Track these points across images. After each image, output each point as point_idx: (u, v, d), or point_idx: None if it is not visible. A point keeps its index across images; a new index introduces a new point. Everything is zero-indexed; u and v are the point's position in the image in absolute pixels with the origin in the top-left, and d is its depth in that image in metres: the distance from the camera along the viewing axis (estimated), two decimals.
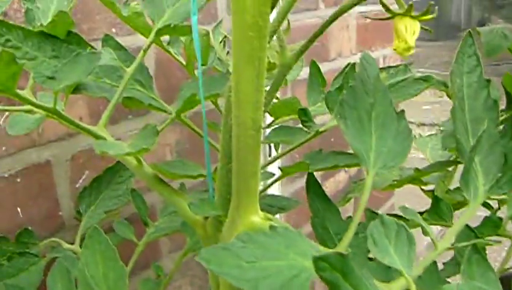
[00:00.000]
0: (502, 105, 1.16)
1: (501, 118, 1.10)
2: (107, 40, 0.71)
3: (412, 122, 4.66)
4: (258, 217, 0.48)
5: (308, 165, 0.62)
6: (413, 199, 1.46)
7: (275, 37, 0.54)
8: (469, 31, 0.66)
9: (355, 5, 0.49)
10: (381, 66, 0.82)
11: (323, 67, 1.69)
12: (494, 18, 7.65)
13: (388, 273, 0.49)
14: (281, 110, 0.79)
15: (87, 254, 0.57)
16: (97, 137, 0.60)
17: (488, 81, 0.64)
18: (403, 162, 0.50)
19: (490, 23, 7.60)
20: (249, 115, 0.45)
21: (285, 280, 0.38)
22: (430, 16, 0.45)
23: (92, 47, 0.70)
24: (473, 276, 0.45)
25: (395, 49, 0.45)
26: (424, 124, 4.57)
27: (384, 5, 0.46)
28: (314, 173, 0.65)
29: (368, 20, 1.90)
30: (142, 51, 0.64)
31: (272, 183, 0.72)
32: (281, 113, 0.81)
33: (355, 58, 1.89)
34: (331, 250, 0.33)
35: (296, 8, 1.54)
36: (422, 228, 0.45)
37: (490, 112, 0.61)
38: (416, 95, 0.77)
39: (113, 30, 1.04)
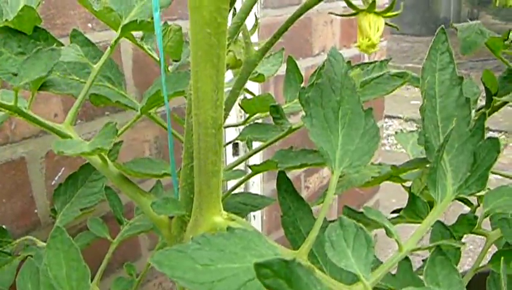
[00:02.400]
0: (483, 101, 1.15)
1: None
2: (76, 35, 0.69)
3: (400, 118, 4.66)
4: (220, 217, 0.47)
5: (277, 163, 0.61)
6: (399, 195, 1.45)
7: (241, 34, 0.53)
8: (441, 28, 0.66)
9: (319, 1, 0.48)
10: (365, 62, 0.81)
11: (307, 62, 1.69)
12: (483, 13, 7.66)
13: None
14: (256, 106, 0.78)
15: (50, 254, 0.56)
16: (62, 136, 0.59)
17: (461, 78, 0.63)
18: (370, 161, 0.49)
19: (479, 18, 7.62)
20: (209, 114, 0.44)
21: (240, 284, 0.37)
22: (394, 13, 0.44)
23: (60, 43, 0.69)
24: (436, 277, 0.44)
25: (358, 46, 0.44)
26: (412, 120, 4.57)
27: (347, 1, 0.45)
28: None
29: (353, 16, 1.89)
30: (109, 48, 0.63)
31: (241, 182, 0.71)
32: (255, 110, 0.80)
33: None
34: (276, 257, 0.32)
35: (280, 2, 1.53)
36: (386, 228, 0.44)
37: (462, 110, 0.60)
38: (391, 92, 0.77)
39: (89, 25, 1.02)
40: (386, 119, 4.67)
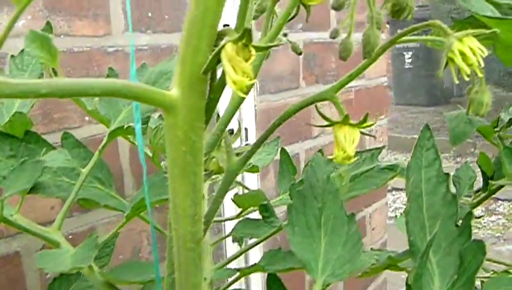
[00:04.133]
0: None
1: (477, 199, 1.10)
2: (66, 138, 0.71)
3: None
4: None
5: (264, 267, 0.60)
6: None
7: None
8: (426, 125, 0.66)
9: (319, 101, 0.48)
10: (367, 140, 0.82)
11: (306, 145, 1.69)
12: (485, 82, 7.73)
13: None
14: (248, 201, 0.79)
15: None
16: (50, 241, 0.59)
17: (447, 175, 0.63)
18: (353, 270, 0.49)
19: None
20: (188, 229, 0.44)
21: None
22: (369, 124, 0.44)
23: (52, 146, 0.70)
24: None
25: (334, 158, 0.44)
26: None
27: (321, 114, 0.46)
28: None
29: (352, 95, 1.91)
30: (97, 152, 0.64)
31: (233, 282, 0.70)
32: (248, 205, 0.80)
33: None
34: None
35: (277, 87, 1.56)
36: None
37: (449, 208, 0.60)
38: (382, 185, 0.77)
39: (86, 118, 1.04)
40: (394, 192, 4.65)
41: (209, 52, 0.39)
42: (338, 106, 0.45)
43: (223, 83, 0.41)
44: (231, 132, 1.42)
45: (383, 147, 0.90)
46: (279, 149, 0.91)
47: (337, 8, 0.42)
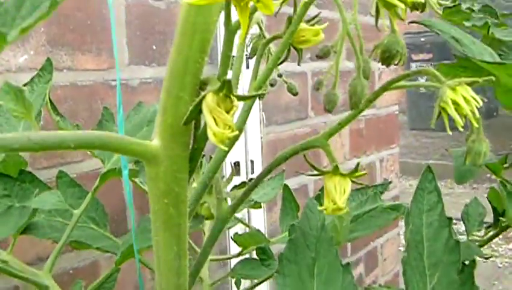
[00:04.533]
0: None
1: (487, 235, 1.06)
2: (61, 177, 0.69)
3: None
4: None
5: None
6: None
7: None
8: (428, 166, 0.64)
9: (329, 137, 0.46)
10: (378, 170, 0.80)
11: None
12: (501, 108, 7.68)
13: None
14: (247, 241, 0.77)
15: None
16: (39, 286, 0.57)
17: (450, 219, 0.61)
18: None
19: (497, 112, 7.63)
20: (172, 282, 0.42)
21: None
22: (361, 173, 0.43)
23: (47, 186, 0.69)
24: None
25: (324, 210, 0.42)
26: None
27: (310, 164, 0.44)
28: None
29: (362, 125, 1.89)
30: (90, 193, 0.63)
31: None
32: (247, 245, 0.78)
33: (350, 165, 1.87)
34: None
35: (285, 118, 1.54)
36: None
37: (451, 255, 0.58)
38: (385, 226, 0.74)
39: (88, 152, 1.03)
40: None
41: (191, 102, 0.37)
42: (329, 154, 0.43)
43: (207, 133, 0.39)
44: (237, 164, 1.41)
45: (389, 183, 0.88)
46: (282, 187, 0.89)
47: (322, 56, 0.41)
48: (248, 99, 0.41)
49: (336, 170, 0.42)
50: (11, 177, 0.68)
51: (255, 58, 0.50)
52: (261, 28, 0.53)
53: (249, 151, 1.35)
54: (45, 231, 0.66)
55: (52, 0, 0.30)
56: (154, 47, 1.15)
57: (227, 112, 0.35)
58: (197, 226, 0.54)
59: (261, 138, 1.41)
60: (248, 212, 1.34)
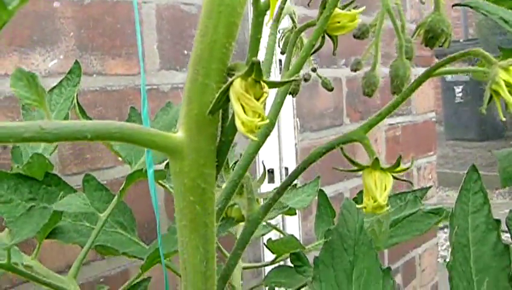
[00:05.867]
0: None
1: None
2: (88, 180, 0.67)
3: None
4: None
5: None
6: None
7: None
8: (473, 165, 0.60)
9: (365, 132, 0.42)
10: (415, 178, 0.76)
11: (352, 183, 1.63)
12: None
13: None
14: (281, 247, 0.73)
15: None
16: None
17: (498, 221, 0.56)
18: None
19: None
20: (198, 286, 0.39)
21: None
22: (403, 167, 0.39)
23: (73, 189, 0.67)
24: None
25: (364, 208, 0.39)
26: None
27: (347, 157, 0.41)
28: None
29: (399, 132, 1.85)
30: (117, 195, 0.60)
31: None
32: (281, 251, 0.75)
33: None
34: None
35: (319, 125, 1.51)
36: None
37: (500, 260, 0.53)
38: (426, 231, 0.70)
39: (119, 159, 1.01)
40: (446, 229, 4.50)
41: (218, 90, 0.34)
42: (368, 147, 0.40)
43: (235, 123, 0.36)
44: (271, 171, 1.38)
45: (429, 188, 0.84)
46: (318, 193, 0.86)
47: (360, 36, 0.38)
48: (280, 85, 0.38)
49: (375, 164, 0.39)
50: (37, 180, 0.66)
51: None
52: (293, 20, 0.50)
53: (283, 159, 1.32)
54: (71, 236, 0.63)
55: None
56: (185, 52, 1.13)
57: (257, 99, 0.32)
58: (227, 229, 0.51)
59: (296, 144, 1.38)
60: (283, 219, 1.31)
